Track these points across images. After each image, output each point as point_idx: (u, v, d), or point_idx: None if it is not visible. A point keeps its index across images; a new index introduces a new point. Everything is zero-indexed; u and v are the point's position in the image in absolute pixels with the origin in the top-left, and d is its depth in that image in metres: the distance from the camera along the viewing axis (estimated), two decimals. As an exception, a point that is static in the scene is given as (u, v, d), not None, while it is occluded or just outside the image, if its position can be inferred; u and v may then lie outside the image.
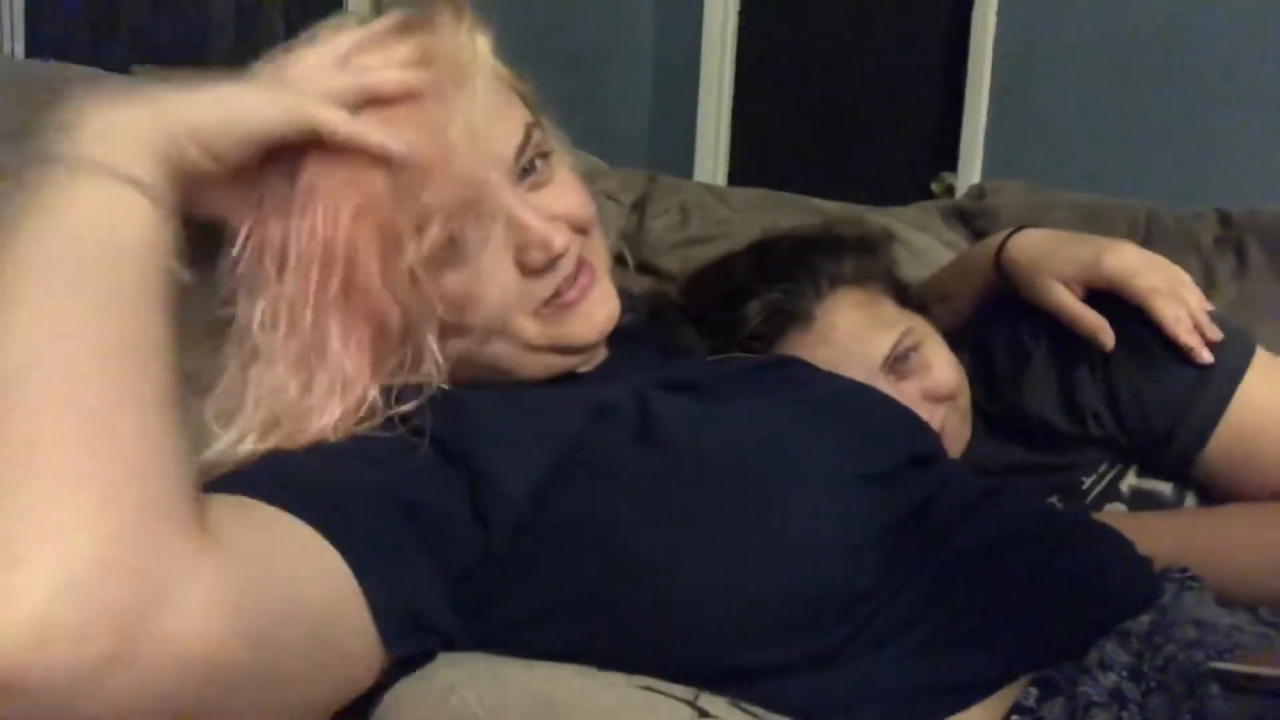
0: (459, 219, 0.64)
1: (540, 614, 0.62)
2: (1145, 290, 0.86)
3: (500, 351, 0.70)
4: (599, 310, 0.72)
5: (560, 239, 0.68)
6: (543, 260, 0.68)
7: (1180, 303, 0.86)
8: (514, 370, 0.72)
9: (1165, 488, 0.90)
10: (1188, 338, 0.85)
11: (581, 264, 0.71)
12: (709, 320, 0.95)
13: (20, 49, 2.85)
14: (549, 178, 0.71)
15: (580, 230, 0.72)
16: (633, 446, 0.66)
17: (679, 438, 0.67)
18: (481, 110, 0.64)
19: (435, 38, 0.65)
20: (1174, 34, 2.11)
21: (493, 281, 0.67)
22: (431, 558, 0.58)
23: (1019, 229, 0.98)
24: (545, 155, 0.70)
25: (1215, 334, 0.86)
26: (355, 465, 0.59)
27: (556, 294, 0.70)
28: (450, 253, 0.65)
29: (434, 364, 0.65)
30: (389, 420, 0.62)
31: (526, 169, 0.69)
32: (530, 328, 0.70)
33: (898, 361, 0.91)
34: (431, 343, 0.65)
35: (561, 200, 0.71)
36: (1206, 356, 0.85)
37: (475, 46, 0.66)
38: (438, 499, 0.59)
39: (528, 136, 0.69)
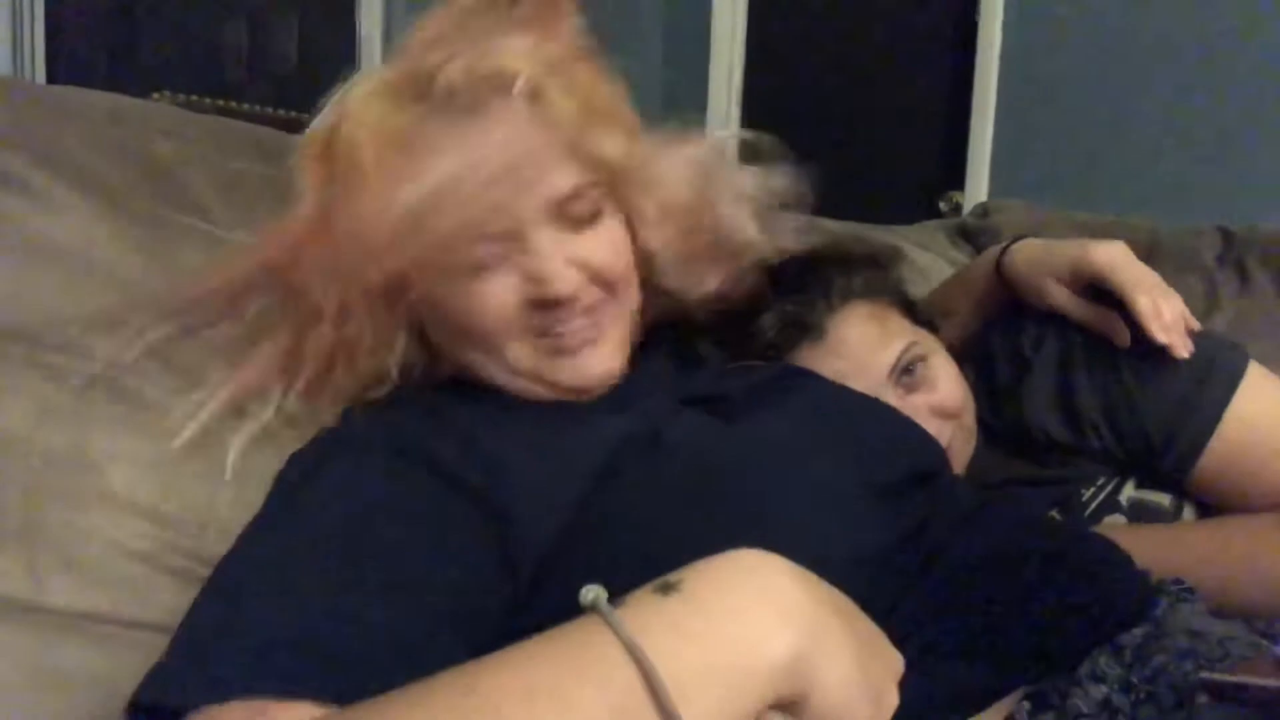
0: (488, 236, 0.67)
1: (550, 623, 0.63)
2: (1127, 281, 0.86)
3: (490, 370, 0.72)
4: (593, 367, 0.73)
5: (565, 286, 0.69)
6: (536, 295, 0.69)
7: (1161, 295, 0.86)
8: (505, 388, 0.73)
9: (1164, 499, 0.91)
10: (1162, 334, 0.85)
11: (591, 317, 0.72)
12: (724, 332, 0.96)
13: (41, 75, 2.89)
14: (592, 224, 0.72)
15: (605, 286, 0.73)
16: (648, 468, 0.67)
17: (692, 456, 0.68)
18: (536, 146, 0.68)
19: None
20: (1175, 56, 2.12)
21: (496, 299, 0.69)
22: (466, 640, 0.58)
23: (1016, 239, 0.99)
24: (597, 214, 0.72)
25: (1188, 340, 0.86)
26: (396, 590, 0.57)
27: (553, 334, 0.71)
28: (471, 264, 0.68)
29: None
30: (433, 466, 0.63)
31: (571, 216, 0.71)
32: (521, 354, 0.71)
33: (905, 374, 0.92)
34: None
35: (595, 251, 0.72)
36: (1182, 353, 0.85)
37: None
38: (474, 575, 0.60)
39: (579, 193, 0.70)
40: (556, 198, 0.69)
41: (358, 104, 0.69)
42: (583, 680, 0.45)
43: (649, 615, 0.48)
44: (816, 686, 0.47)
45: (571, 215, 0.70)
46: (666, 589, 0.49)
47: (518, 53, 0.69)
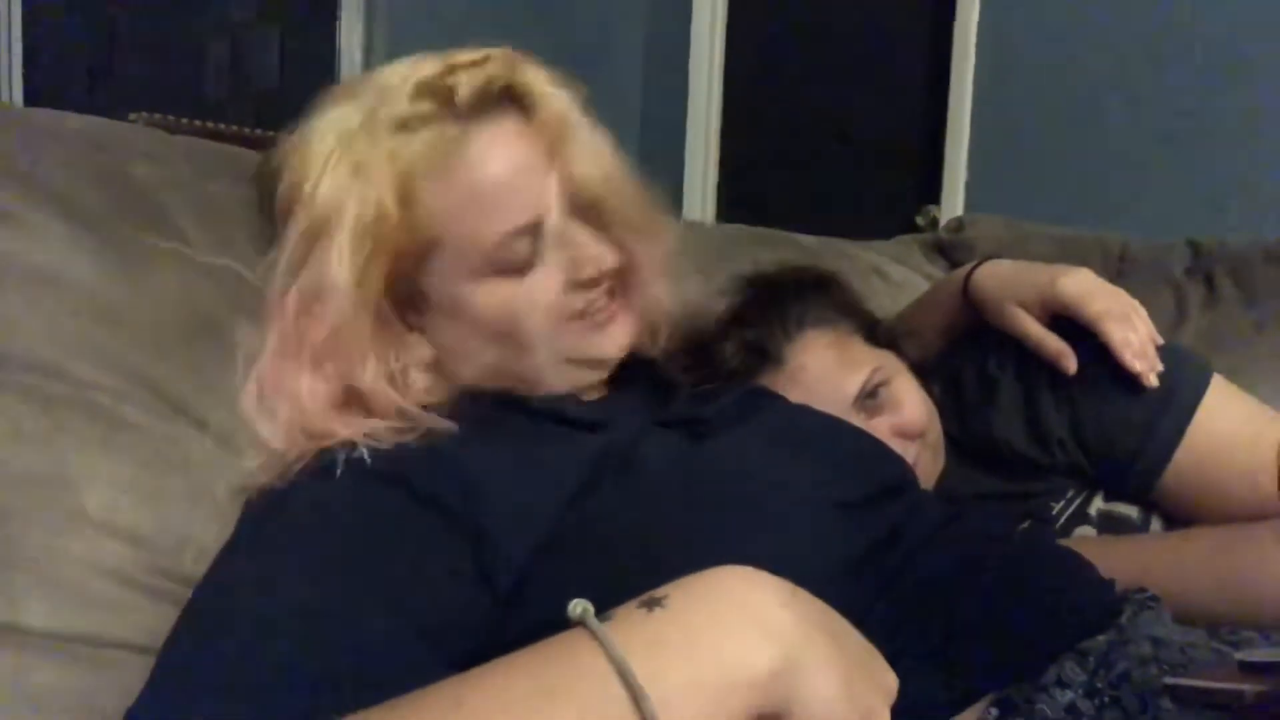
0: (522, 230, 0.72)
1: (528, 638, 0.64)
2: (1097, 313, 0.88)
3: (532, 363, 0.75)
4: (622, 337, 0.79)
5: (609, 259, 0.75)
6: (578, 276, 0.74)
7: (1131, 326, 0.88)
8: (539, 382, 0.76)
9: (1132, 511, 0.92)
10: (1133, 361, 0.87)
11: (615, 294, 0.79)
12: (688, 359, 0.97)
13: (19, 95, 2.89)
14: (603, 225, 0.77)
15: (616, 274, 0.78)
16: (625, 484, 0.68)
17: (666, 472, 0.70)
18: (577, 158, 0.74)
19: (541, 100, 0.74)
20: (1148, 71, 2.16)
21: (543, 290, 0.74)
22: (447, 657, 0.58)
23: (984, 260, 1.01)
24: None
25: (1158, 365, 0.88)
26: (367, 609, 0.57)
27: (591, 311, 0.76)
28: (516, 262, 0.72)
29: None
30: (405, 484, 0.63)
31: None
32: (565, 340, 0.76)
33: (868, 398, 0.94)
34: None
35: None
36: (1153, 381, 0.87)
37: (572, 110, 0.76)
38: (450, 591, 0.60)
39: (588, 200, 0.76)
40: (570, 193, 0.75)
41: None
42: (569, 694, 0.46)
43: (634, 630, 0.49)
44: (798, 702, 0.48)
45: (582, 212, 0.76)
46: (652, 604, 0.50)
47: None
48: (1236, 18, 2.04)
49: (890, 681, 0.54)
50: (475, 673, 0.49)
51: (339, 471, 0.64)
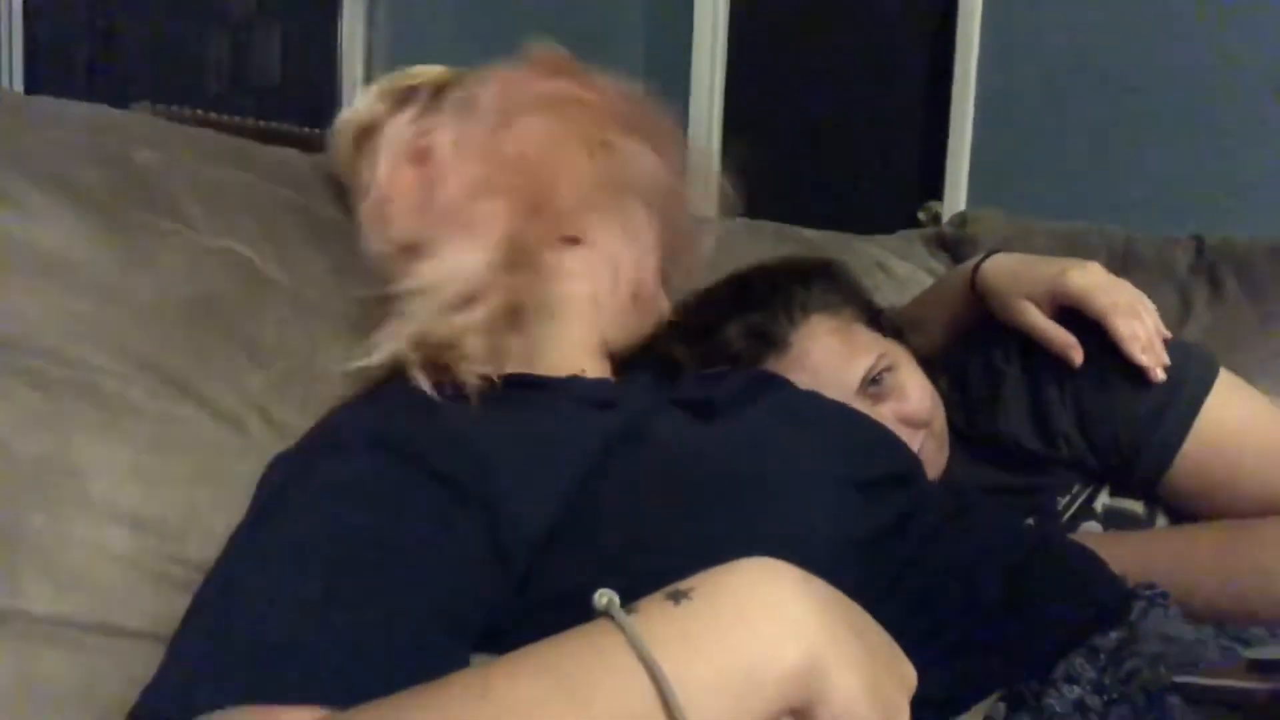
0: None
1: (536, 610, 0.63)
2: (1105, 306, 0.88)
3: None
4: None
5: None
6: None
7: (1138, 320, 0.88)
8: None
9: (1137, 506, 0.92)
10: (1141, 356, 0.87)
11: None
12: (695, 346, 0.97)
13: (19, 86, 2.88)
14: None
15: None
16: (636, 460, 0.68)
17: (677, 448, 0.70)
18: None
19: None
20: (1151, 67, 2.16)
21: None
22: (462, 634, 0.59)
23: (991, 253, 1.00)
24: None
25: (1164, 359, 0.88)
26: (386, 601, 0.56)
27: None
28: None
29: None
30: (420, 463, 0.62)
31: None
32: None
33: (872, 385, 0.93)
34: None
35: None
36: (1159, 375, 0.87)
37: None
38: (465, 570, 0.60)
39: None
40: None
41: None
42: (595, 686, 0.46)
43: (660, 623, 0.48)
44: (825, 697, 0.48)
45: None
46: (677, 597, 0.50)
47: None
48: (1240, 13, 2.04)
49: (910, 676, 0.54)
50: (500, 662, 0.49)
51: (356, 448, 0.64)
